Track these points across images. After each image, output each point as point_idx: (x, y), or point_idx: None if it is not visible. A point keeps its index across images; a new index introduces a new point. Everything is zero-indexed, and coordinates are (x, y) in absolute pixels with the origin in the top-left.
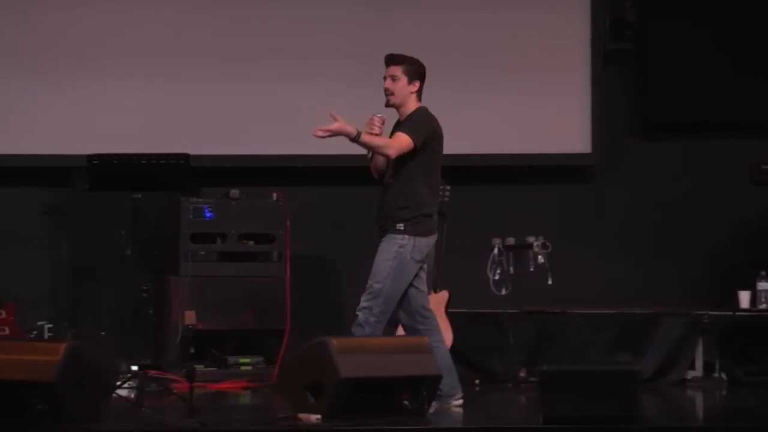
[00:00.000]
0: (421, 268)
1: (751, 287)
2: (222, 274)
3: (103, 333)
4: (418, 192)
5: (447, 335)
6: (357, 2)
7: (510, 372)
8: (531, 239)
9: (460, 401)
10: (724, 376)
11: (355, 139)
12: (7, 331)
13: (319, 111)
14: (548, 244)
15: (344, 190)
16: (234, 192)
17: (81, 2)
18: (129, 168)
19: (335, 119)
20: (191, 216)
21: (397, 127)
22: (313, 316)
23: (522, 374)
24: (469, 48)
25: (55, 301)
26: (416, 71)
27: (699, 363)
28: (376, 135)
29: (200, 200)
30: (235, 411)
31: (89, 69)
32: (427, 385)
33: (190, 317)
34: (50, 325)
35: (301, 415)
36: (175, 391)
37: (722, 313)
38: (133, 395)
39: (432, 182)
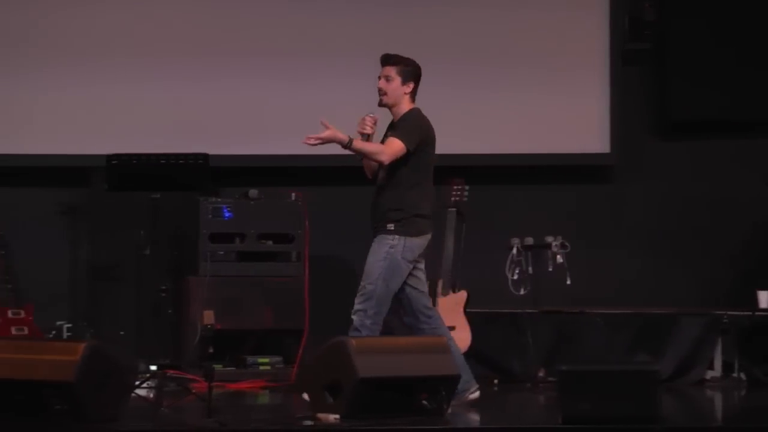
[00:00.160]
0: (416, 268)
1: None
2: (241, 274)
3: (122, 333)
4: (410, 193)
5: (465, 335)
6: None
7: (529, 372)
8: (550, 239)
9: (477, 393)
10: (743, 376)
11: (347, 145)
12: (26, 331)
13: (339, 111)
14: (567, 243)
15: (363, 190)
16: (253, 192)
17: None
18: (148, 168)
19: (326, 127)
20: (210, 216)
21: (391, 128)
22: (332, 316)
23: (541, 374)
24: (487, 47)
25: (74, 301)
26: (411, 72)
27: (718, 363)
28: (369, 137)
29: (219, 200)
30: (253, 411)
31: (109, 69)
32: (446, 385)
33: (208, 317)
34: (69, 325)
35: (320, 415)
36: (193, 391)
37: (741, 313)
38: (152, 395)
39: (425, 183)
